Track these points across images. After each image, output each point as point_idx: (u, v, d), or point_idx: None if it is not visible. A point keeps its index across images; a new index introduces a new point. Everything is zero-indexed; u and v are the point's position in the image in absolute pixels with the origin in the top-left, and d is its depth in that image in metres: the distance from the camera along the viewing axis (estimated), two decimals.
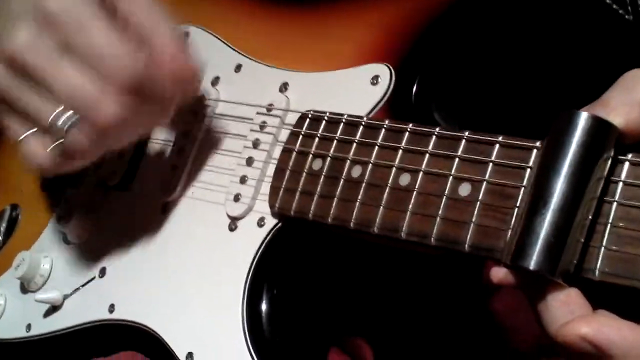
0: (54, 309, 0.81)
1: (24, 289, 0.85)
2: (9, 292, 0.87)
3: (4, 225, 0.93)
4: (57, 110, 0.66)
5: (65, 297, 0.81)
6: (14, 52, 0.66)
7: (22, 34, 0.66)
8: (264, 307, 0.67)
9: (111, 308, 0.76)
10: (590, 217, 0.50)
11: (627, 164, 0.50)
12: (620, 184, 0.50)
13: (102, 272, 0.79)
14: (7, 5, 0.69)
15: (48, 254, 0.85)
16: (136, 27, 0.66)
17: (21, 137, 0.69)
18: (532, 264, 0.49)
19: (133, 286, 0.76)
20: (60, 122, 0.66)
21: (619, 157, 0.50)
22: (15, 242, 0.91)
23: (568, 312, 0.48)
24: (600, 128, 0.49)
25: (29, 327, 0.83)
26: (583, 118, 0.50)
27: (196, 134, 0.77)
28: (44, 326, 0.82)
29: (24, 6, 0.67)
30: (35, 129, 0.68)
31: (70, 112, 0.66)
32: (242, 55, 0.79)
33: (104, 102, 0.65)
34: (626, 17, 0.63)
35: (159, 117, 0.70)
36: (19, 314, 0.85)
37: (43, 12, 0.66)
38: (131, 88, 0.65)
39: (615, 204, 0.50)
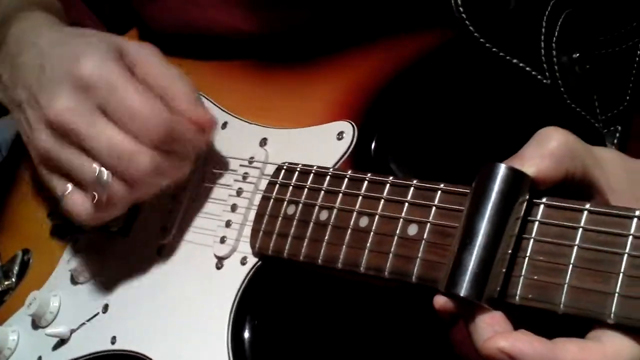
0: (62, 342, 0.88)
1: (35, 325, 0.92)
2: (21, 328, 0.94)
3: (16, 268, 1.00)
4: (97, 167, 0.72)
5: (72, 331, 0.87)
6: (56, 117, 0.73)
7: (62, 100, 0.72)
8: (246, 335, 0.73)
9: (113, 340, 0.83)
10: (510, 251, 0.58)
11: (542, 206, 0.58)
12: (536, 223, 0.58)
13: (105, 308, 0.86)
14: (42, 72, 0.76)
15: (57, 293, 0.92)
16: (155, 84, 0.74)
17: (65, 194, 0.76)
18: (462, 291, 0.57)
19: (132, 320, 0.83)
20: (99, 177, 0.72)
21: (535, 200, 0.59)
22: (27, 283, 0.98)
23: (492, 331, 0.56)
24: (515, 177, 0.58)
25: (39, 359, 0.89)
26: (502, 169, 0.58)
27: (188, 183, 0.85)
28: (53, 358, 0.88)
29: (59, 71, 0.74)
30: (75, 185, 0.75)
31: (109, 168, 0.72)
32: (228, 113, 0.87)
33: (139, 157, 0.72)
34: (544, 81, 0.73)
35: (183, 167, 0.78)
36: (31, 348, 0.92)
37: (78, 77, 0.72)
38: (161, 141, 0.72)
39: (532, 240, 0.58)
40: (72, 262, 0.92)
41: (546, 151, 0.58)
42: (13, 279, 1.00)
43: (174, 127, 0.73)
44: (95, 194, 0.73)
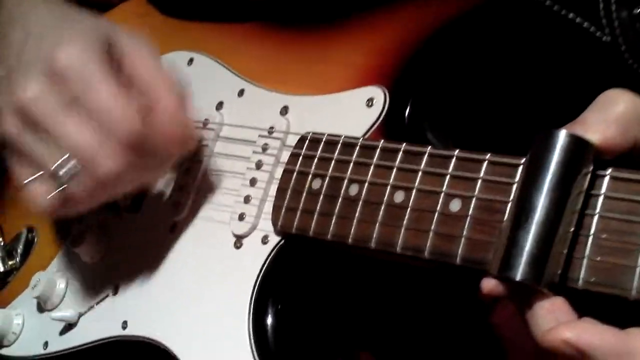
0: (69, 326, 0.84)
1: (41, 308, 0.88)
2: (26, 312, 0.90)
3: (21, 247, 0.96)
4: (60, 159, 0.68)
5: (80, 315, 0.83)
6: (24, 103, 0.69)
7: (32, 86, 0.69)
8: (269, 321, 0.69)
9: (124, 325, 0.79)
10: (572, 229, 0.52)
11: (607, 179, 0.53)
12: (601, 197, 0.52)
13: (115, 290, 0.82)
14: (21, 52, 0.72)
15: (63, 274, 0.88)
16: (140, 86, 0.69)
17: (25, 182, 0.71)
18: (518, 275, 0.52)
19: (145, 303, 0.79)
20: (62, 171, 0.68)
21: (599, 172, 0.53)
22: (32, 263, 0.94)
23: (553, 319, 0.51)
24: (577, 145, 0.52)
25: (46, 344, 0.85)
26: (562, 136, 0.52)
27: (202, 156, 0.80)
28: (60, 344, 0.84)
29: (35, 56, 0.70)
30: (39, 175, 0.70)
31: (74, 161, 0.68)
32: (245, 80, 0.81)
33: (104, 157, 0.67)
34: (603, 39, 0.66)
35: (156, 171, 0.74)
36: (37, 333, 0.88)
37: (53, 66, 0.69)
38: (131, 145, 0.68)
39: (596, 216, 0.52)
40: (79, 241, 0.87)
41: (612, 116, 0.53)
42: (17, 259, 0.96)
43: (145, 134, 0.68)
44: (58, 188, 0.69)
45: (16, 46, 0.74)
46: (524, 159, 0.56)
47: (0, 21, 0.79)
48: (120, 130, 0.67)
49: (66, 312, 0.84)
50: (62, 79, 0.68)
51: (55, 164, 0.69)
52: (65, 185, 0.69)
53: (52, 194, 0.70)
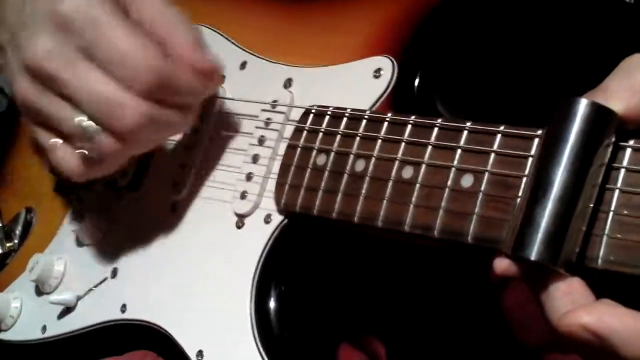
0: (68, 310, 0.82)
1: (39, 291, 0.86)
2: (24, 295, 0.88)
3: (19, 228, 0.94)
4: (81, 118, 0.65)
5: (79, 298, 0.81)
6: (35, 62, 0.66)
7: (40, 42, 0.65)
8: (272, 304, 0.66)
9: (123, 308, 0.77)
10: (592, 205, 0.49)
11: (629, 150, 0.49)
12: (622, 170, 0.49)
13: (114, 273, 0.80)
14: (24, 10, 0.69)
15: (61, 256, 0.86)
16: (152, 27, 0.66)
17: (50, 146, 0.68)
18: (533, 254, 0.48)
19: (144, 286, 0.77)
20: (84, 129, 0.65)
21: (621, 143, 0.49)
22: (30, 244, 0.92)
23: (570, 302, 0.47)
24: (599, 114, 0.48)
25: (44, 328, 0.84)
26: (582, 105, 0.49)
27: (203, 132, 0.77)
28: (58, 327, 0.82)
29: (39, 12, 0.67)
30: (61, 138, 0.68)
31: (94, 120, 0.65)
32: (247, 52, 0.78)
33: (127, 108, 0.64)
34: (626, 0, 0.62)
35: (183, 120, 0.69)
36: (35, 316, 0.86)
37: (58, 16, 0.65)
38: (153, 90, 0.64)
39: (617, 191, 0.49)
40: (78, 221, 0.85)
41: (636, 83, 0.49)
42: (16, 240, 0.95)
43: (168, 73, 0.65)
44: (82, 148, 0.66)
45: (15, 6, 0.70)
46: (541, 131, 0.52)
47: None
48: (141, 73, 0.64)
49: (64, 295, 0.82)
50: (71, 30, 0.65)
51: (76, 123, 0.65)
52: (89, 145, 0.66)
53: (77, 155, 0.67)
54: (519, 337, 0.75)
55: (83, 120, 0.65)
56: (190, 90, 0.67)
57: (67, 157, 0.68)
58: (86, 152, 0.67)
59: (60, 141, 0.68)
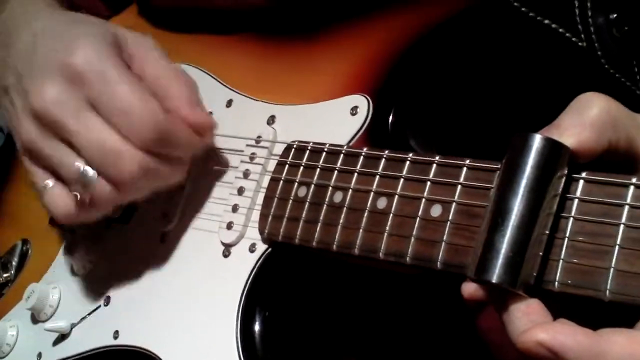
0: (62, 337, 0.84)
1: (35, 319, 0.88)
2: (20, 323, 0.90)
3: (15, 259, 0.97)
4: (80, 163, 0.68)
5: (73, 325, 0.84)
6: (42, 108, 0.68)
7: (49, 89, 0.68)
8: (256, 328, 0.69)
9: (115, 334, 0.79)
10: (547, 232, 0.52)
11: (581, 182, 0.53)
12: (576, 200, 0.52)
13: (107, 301, 0.82)
14: (33, 58, 0.72)
15: (57, 285, 0.88)
16: (152, 82, 0.69)
17: (45, 187, 0.71)
18: (494, 277, 0.51)
19: (136, 313, 0.79)
20: (83, 175, 0.68)
21: (574, 175, 0.53)
22: (26, 275, 0.94)
23: (529, 321, 0.51)
24: (552, 149, 0.52)
25: (39, 355, 0.85)
26: (537, 140, 0.52)
27: (191, 166, 0.80)
28: (53, 354, 0.84)
29: (50, 60, 0.70)
30: (58, 180, 0.71)
31: (94, 167, 0.68)
32: (233, 90, 0.82)
33: (126, 157, 0.67)
34: (580, 44, 0.67)
35: (177, 171, 0.73)
36: (31, 344, 0.88)
37: (69, 67, 0.68)
38: (152, 143, 0.67)
39: (571, 219, 0.52)
40: (71, 252, 0.88)
41: (587, 120, 0.53)
42: (12, 271, 0.97)
43: (168, 128, 0.68)
44: (78, 192, 0.69)
45: (25, 52, 0.74)
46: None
47: (2, 35, 0.79)
48: (143, 127, 0.67)
49: (59, 323, 0.84)
50: (80, 80, 0.68)
51: (75, 168, 0.68)
52: (84, 190, 0.69)
53: (71, 198, 0.70)
54: (497, 358, 0.77)
55: (82, 166, 0.68)
56: (185, 144, 0.71)
57: (61, 198, 0.71)
58: (80, 196, 0.69)
59: (57, 183, 0.71)
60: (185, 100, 0.70)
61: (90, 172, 0.68)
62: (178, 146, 0.70)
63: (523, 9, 0.66)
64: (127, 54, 0.72)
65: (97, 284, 0.85)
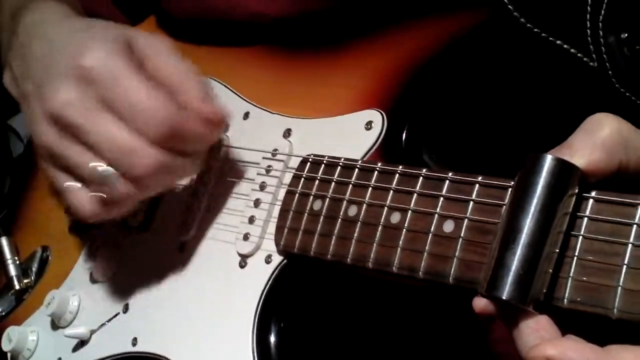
0: (82, 343, 0.86)
1: (55, 325, 0.90)
2: (41, 329, 0.92)
3: (35, 266, 0.98)
4: (97, 163, 0.70)
5: (92, 332, 0.85)
6: (57, 109, 0.70)
7: (63, 93, 0.70)
8: (272, 339, 0.70)
9: (134, 341, 0.80)
10: (557, 250, 0.53)
11: (592, 201, 0.54)
12: (586, 219, 0.54)
13: (126, 308, 0.84)
14: (48, 64, 0.74)
15: (76, 292, 0.89)
16: (165, 79, 0.70)
17: (67, 188, 0.73)
18: (505, 294, 0.53)
19: (154, 320, 0.80)
20: (102, 174, 0.69)
21: (584, 194, 0.54)
22: (46, 281, 0.96)
23: (538, 337, 0.52)
24: (563, 169, 0.53)
25: None
26: (548, 160, 0.54)
27: (209, 177, 0.82)
28: None
29: (63, 65, 0.71)
30: (79, 181, 0.72)
31: (111, 165, 0.69)
32: (250, 103, 0.83)
33: (141, 154, 0.69)
34: (591, 64, 0.68)
35: (193, 165, 0.74)
36: (51, 349, 0.90)
37: (80, 69, 0.70)
38: (165, 138, 0.69)
39: (581, 237, 0.54)
40: (91, 259, 0.89)
41: (597, 140, 0.54)
42: (32, 277, 0.99)
43: (180, 123, 0.70)
44: (98, 191, 0.71)
45: (42, 60, 0.75)
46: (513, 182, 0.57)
47: (20, 43, 0.81)
48: (156, 123, 0.68)
49: (79, 329, 0.85)
50: (91, 82, 0.70)
51: (92, 168, 0.70)
52: (104, 188, 0.70)
53: (95, 197, 0.71)
54: None
55: (101, 166, 0.70)
56: (198, 138, 0.72)
57: (84, 199, 0.72)
58: (102, 195, 0.71)
59: (78, 184, 0.72)
60: (196, 94, 0.71)
61: (109, 170, 0.70)
62: (191, 140, 0.71)
63: (535, 29, 0.67)
64: (139, 53, 0.73)
65: (116, 291, 0.86)
